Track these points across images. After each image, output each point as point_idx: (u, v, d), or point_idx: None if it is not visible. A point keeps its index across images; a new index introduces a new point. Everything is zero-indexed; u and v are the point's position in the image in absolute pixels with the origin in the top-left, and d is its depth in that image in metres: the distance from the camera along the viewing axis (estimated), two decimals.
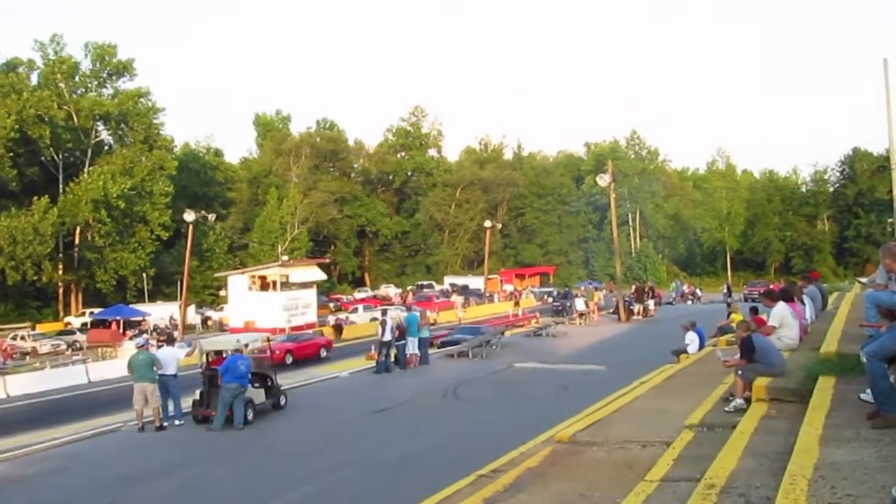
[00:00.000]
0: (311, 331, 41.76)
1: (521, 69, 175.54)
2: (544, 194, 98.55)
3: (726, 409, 9.65)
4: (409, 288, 79.04)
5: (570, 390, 19.03)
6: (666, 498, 6.33)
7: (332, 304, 63.99)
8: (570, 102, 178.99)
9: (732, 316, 20.73)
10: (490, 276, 77.62)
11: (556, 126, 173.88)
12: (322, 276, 56.48)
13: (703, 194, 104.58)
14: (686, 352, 19.06)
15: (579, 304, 41.67)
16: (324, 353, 35.91)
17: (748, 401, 9.34)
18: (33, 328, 52.73)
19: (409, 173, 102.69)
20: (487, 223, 76.05)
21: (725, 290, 54.90)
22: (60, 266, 65.46)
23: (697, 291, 66.44)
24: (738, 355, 10.25)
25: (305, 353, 34.58)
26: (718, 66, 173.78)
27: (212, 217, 57.89)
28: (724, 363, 11.08)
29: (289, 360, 32.21)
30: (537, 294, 72.70)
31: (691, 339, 19.71)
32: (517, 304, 60.82)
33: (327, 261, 72.28)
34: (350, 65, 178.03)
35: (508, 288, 75.53)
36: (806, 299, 14.39)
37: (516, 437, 11.61)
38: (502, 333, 32.24)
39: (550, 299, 61.64)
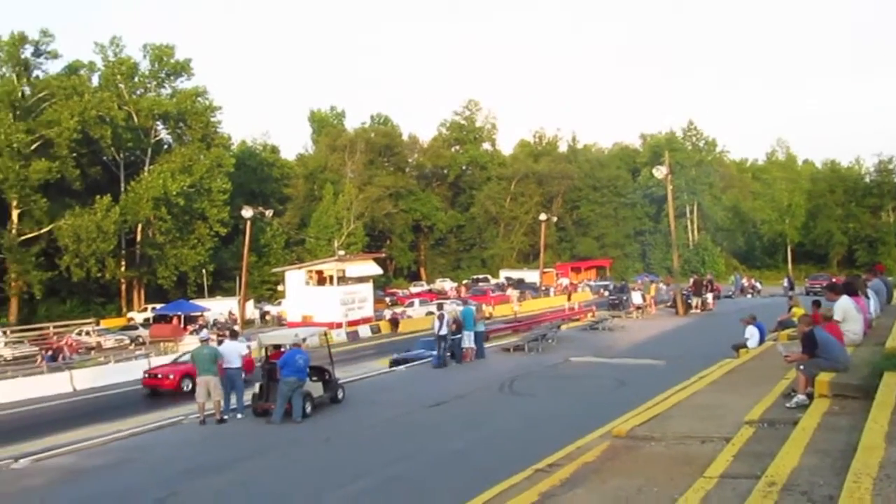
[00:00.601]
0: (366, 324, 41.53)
1: (575, 61, 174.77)
2: (600, 187, 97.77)
3: (788, 405, 9.50)
4: (464, 282, 79.12)
5: (627, 385, 18.86)
6: (726, 495, 6.25)
7: (388, 299, 64.43)
8: (626, 94, 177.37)
9: (794, 310, 20.26)
10: (546, 270, 77.33)
11: (611, 118, 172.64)
12: (378, 270, 56.85)
13: (763, 186, 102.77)
14: (746, 346, 18.73)
15: (636, 297, 41.23)
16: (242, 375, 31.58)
17: (810, 397, 9.18)
18: (98, 324, 53.85)
19: (464, 167, 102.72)
20: (542, 216, 75.76)
21: (786, 284, 53.78)
22: (123, 263, 66.97)
23: (757, 285, 65.21)
24: (800, 350, 10.07)
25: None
26: (778, 54, 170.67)
27: (269, 213, 58.55)
28: (785, 358, 10.89)
29: (187, 386, 26.15)
30: (593, 287, 72.27)
31: (751, 333, 19.36)
32: (569, 297, 60.55)
33: (383, 255, 72.72)
34: (404, 60, 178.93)
35: (564, 282, 75.16)
36: (870, 293, 14.09)
37: (573, 431, 11.55)
38: (558, 327, 32.07)
39: (606, 293, 61.18)
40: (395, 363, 27.15)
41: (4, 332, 48.61)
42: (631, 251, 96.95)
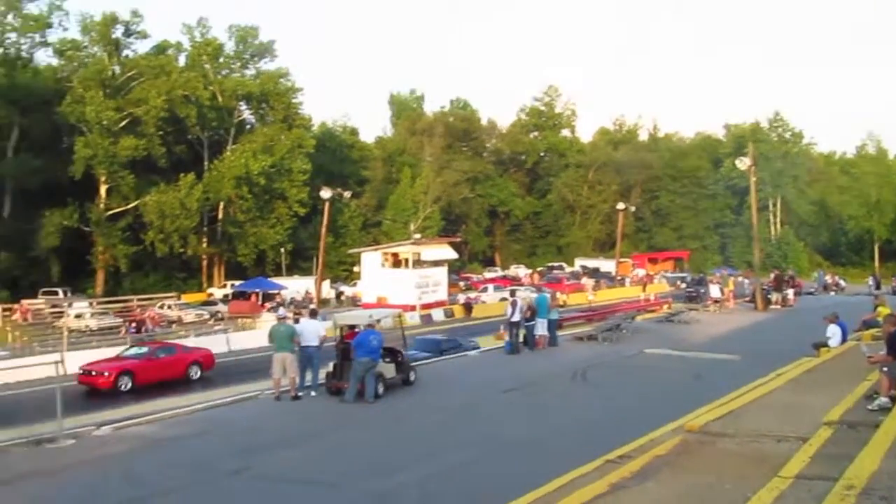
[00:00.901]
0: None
1: (658, 47, 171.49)
2: (680, 177, 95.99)
3: (869, 407, 9.27)
4: (538, 269, 78.85)
5: (702, 379, 18.58)
6: (801, 496, 6.13)
7: (462, 283, 64.52)
8: (711, 82, 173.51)
9: (879, 309, 19.67)
10: (622, 260, 76.52)
11: (694, 107, 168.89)
12: (453, 254, 56.97)
13: (851, 180, 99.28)
14: (827, 345, 18.28)
15: (714, 290, 40.49)
16: (196, 374, 26.70)
17: (893, 399, 8.94)
18: (179, 298, 55.33)
19: (542, 153, 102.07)
20: (620, 205, 74.87)
21: (872, 282, 52.29)
22: (205, 240, 68.68)
23: (841, 282, 63.50)
24: (885, 351, 9.80)
25: (157, 376, 25.49)
26: (872, 45, 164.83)
27: (347, 194, 59.18)
28: (868, 359, 10.63)
29: (125, 385, 24.36)
30: (670, 279, 71.21)
31: (833, 332, 18.89)
32: (645, 288, 59.83)
33: (458, 240, 72.84)
34: (485, 44, 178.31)
35: (640, 272, 74.27)
36: None
37: (645, 423, 11.45)
38: (633, 318, 31.72)
39: (683, 285, 60.27)
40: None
41: (91, 304, 50.39)
42: (710, 243, 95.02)
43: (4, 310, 47.59)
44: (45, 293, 54.54)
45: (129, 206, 62.94)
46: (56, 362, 14.22)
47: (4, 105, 60.85)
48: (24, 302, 49.78)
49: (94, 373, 24.71)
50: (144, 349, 27.50)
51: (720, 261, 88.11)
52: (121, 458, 12.63)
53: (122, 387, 24.30)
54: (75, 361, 24.30)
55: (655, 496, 7.19)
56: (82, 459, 12.57)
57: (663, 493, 7.26)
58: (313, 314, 20.02)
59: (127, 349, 28.02)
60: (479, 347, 26.50)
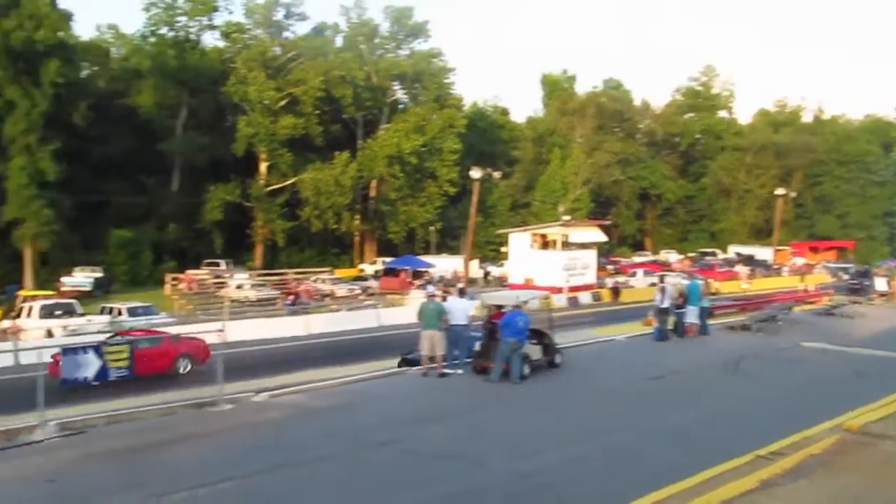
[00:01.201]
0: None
1: (823, 25, 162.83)
2: (846, 161, 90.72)
3: None
4: (690, 254, 76.85)
5: (863, 377, 17.63)
6: None
7: (610, 267, 63.64)
8: (881, 61, 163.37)
9: None
10: (779, 248, 73.46)
11: (862, 88, 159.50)
12: (602, 237, 56.32)
13: None
14: None
15: (880, 283, 38.33)
16: (185, 368, 23.01)
17: None
18: (332, 273, 57.15)
19: (697, 135, 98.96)
20: (780, 191, 71.75)
21: None
22: (357, 216, 70.50)
23: None
24: None
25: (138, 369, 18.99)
26: None
27: (497, 175, 59.41)
28: None
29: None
30: (831, 270, 67.84)
31: None
32: (803, 278, 57.33)
33: (608, 222, 71.76)
34: (638, 22, 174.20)
35: (799, 261, 71.17)
36: None
37: (799, 420, 11.03)
38: (790, 309, 30.44)
39: (846, 276, 57.32)
40: (405, 363, 20.23)
41: (250, 275, 52.88)
42: (878, 233, 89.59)
43: (172, 279, 50.62)
44: (208, 264, 57.79)
45: (286, 183, 65.45)
46: (218, 331, 15.04)
47: (175, 85, 64.72)
48: (189, 272, 52.86)
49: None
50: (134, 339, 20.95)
51: (888, 252, 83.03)
52: (275, 425, 13.24)
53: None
54: (236, 331, 25.51)
55: (808, 496, 6.93)
56: (239, 423, 13.24)
57: (816, 493, 6.98)
58: (461, 293, 20.22)
59: (111, 334, 24.05)
60: None
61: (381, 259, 66.37)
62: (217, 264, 58.20)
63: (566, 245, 48.76)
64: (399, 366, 19.94)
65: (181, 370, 22.77)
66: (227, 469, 10.24)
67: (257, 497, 9.29)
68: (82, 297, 42.63)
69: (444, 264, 59.47)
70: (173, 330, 28.55)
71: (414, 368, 18.13)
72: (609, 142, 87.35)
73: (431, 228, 71.15)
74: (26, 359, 20.87)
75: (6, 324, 33.99)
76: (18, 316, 34.89)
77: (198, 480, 9.69)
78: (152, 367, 20.50)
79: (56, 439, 11.96)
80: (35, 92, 50.62)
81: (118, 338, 20.74)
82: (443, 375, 17.08)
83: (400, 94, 78.38)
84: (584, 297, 46.39)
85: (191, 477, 9.92)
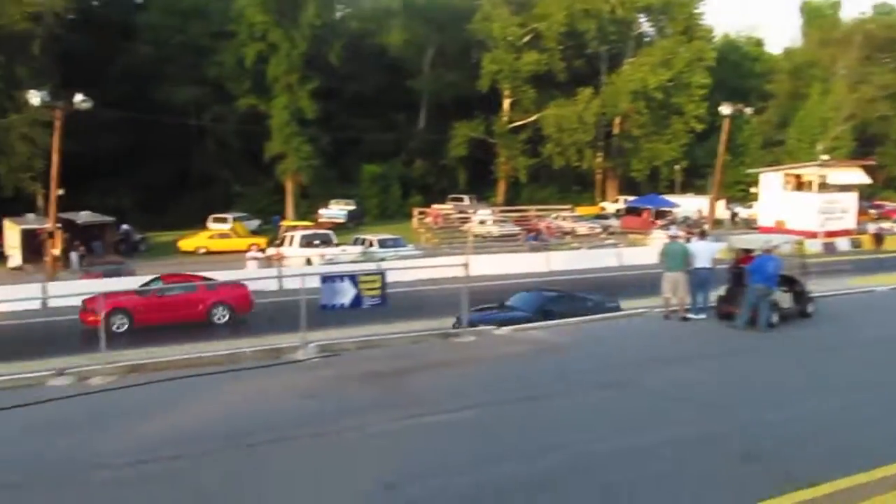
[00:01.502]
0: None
1: None
2: None
3: None
4: None
5: None
6: None
7: (873, 211, 58.99)
8: None
9: None
10: None
11: None
12: (865, 179, 52.43)
13: None
14: None
15: None
16: (222, 317, 23.00)
17: None
18: (573, 210, 57.17)
19: None
20: None
21: None
22: (599, 154, 69.71)
23: None
24: None
25: (160, 318, 21.71)
26: None
27: (748, 111, 56.59)
28: None
29: (120, 325, 20.97)
30: None
31: None
32: None
33: (872, 163, 66.23)
34: None
35: None
36: None
37: None
38: None
39: None
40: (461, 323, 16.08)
41: (493, 211, 54.05)
42: None
43: (419, 213, 52.76)
44: (452, 199, 59.60)
45: (529, 120, 65.69)
46: (463, 264, 15.56)
47: (423, 23, 66.51)
48: (435, 207, 54.83)
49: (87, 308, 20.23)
50: (163, 288, 23.04)
51: None
52: (514, 359, 13.54)
53: (117, 328, 20.80)
54: (478, 265, 26.19)
55: None
56: (482, 355, 13.71)
57: None
58: (703, 235, 19.53)
59: (147, 283, 23.62)
60: (619, 309, 20.59)
61: (623, 197, 65.49)
62: (461, 199, 59.94)
63: (823, 187, 45.87)
64: (454, 327, 16.68)
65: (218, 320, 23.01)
66: (472, 396, 10.68)
67: (506, 422, 9.53)
68: (337, 228, 45.54)
69: (688, 204, 57.65)
70: (420, 262, 29.85)
71: (658, 309, 17.75)
72: (877, 74, 79.71)
73: (676, 167, 69.00)
74: (289, 284, 22.61)
75: (271, 251, 37.22)
76: (282, 244, 38.03)
77: (443, 406, 10.17)
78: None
79: (315, 360, 13.05)
80: (295, 34, 54.11)
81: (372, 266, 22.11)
82: (685, 319, 16.69)
83: (646, 26, 75.88)
84: (842, 244, 43.54)
85: (438, 402, 10.43)
